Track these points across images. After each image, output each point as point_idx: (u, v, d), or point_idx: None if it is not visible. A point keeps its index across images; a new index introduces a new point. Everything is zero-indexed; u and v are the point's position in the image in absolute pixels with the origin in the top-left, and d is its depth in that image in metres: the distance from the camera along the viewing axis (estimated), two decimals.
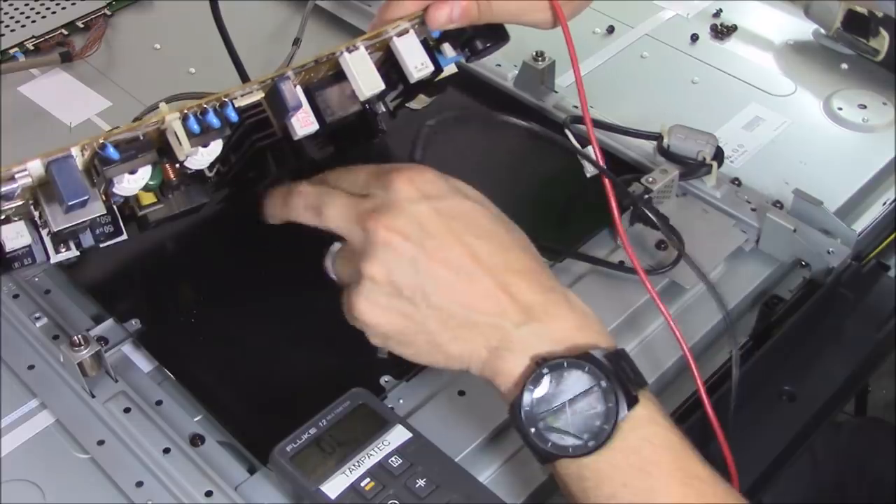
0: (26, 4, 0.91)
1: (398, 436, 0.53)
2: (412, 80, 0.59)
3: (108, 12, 0.92)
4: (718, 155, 0.71)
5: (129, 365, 0.62)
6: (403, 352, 0.50)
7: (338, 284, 0.52)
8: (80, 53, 0.88)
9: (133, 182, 0.52)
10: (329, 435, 0.53)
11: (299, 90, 0.55)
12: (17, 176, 0.49)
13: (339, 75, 0.57)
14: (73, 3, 0.91)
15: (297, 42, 0.85)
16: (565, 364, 0.47)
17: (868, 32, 0.81)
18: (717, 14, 0.91)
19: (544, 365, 0.47)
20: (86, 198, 0.50)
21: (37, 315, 0.64)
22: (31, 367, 0.61)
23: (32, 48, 0.87)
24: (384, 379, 0.60)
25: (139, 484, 0.55)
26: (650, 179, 0.68)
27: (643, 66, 0.86)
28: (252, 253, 0.67)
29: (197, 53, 0.89)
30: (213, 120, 0.53)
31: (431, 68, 0.59)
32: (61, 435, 0.58)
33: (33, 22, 0.89)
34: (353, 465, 0.51)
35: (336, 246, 0.50)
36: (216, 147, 0.54)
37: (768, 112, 0.80)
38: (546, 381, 0.47)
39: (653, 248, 0.68)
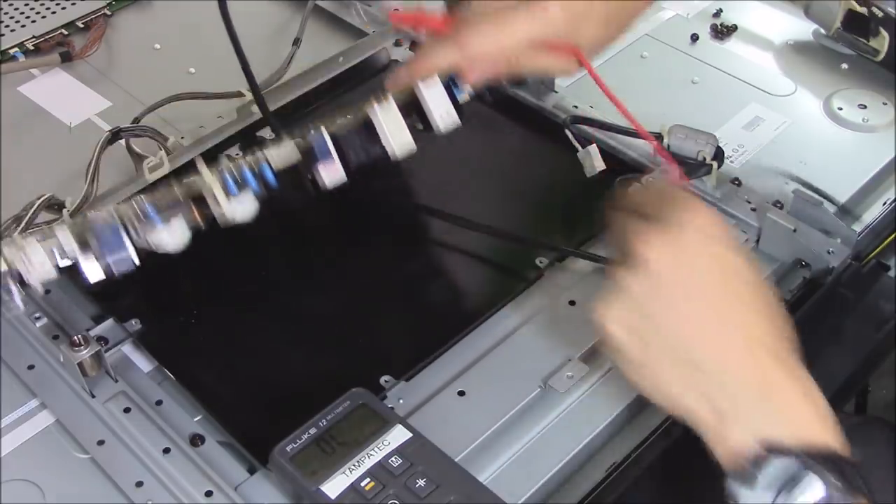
0: (26, 4, 0.91)
1: (398, 436, 0.53)
2: (439, 131, 0.58)
3: (108, 12, 0.92)
4: (718, 155, 0.71)
5: (129, 365, 0.62)
6: (628, 372, 0.48)
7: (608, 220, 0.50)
8: (80, 53, 0.88)
9: (171, 238, 0.53)
10: (329, 435, 0.53)
11: (327, 137, 0.55)
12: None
13: (367, 124, 0.57)
14: (73, 3, 0.91)
15: (297, 42, 0.85)
16: (799, 464, 0.43)
17: (868, 32, 0.81)
18: (717, 14, 0.91)
19: (773, 457, 0.43)
20: (125, 255, 0.52)
21: (37, 315, 0.64)
22: (31, 367, 0.61)
23: (32, 48, 0.87)
24: (384, 379, 0.60)
25: (139, 484, 0.55)
26: (650, 179, 0.68)
27: (643, 66, 0.86)
28: (252, 253, 0.67)
29: (197, 53, 0.89)
30: (252, 182, 0.53)
31: (456, 119, 0.58)
32: (61, 435, 0.58)
33: (33, 22, 0.89)
34: (353, 465, 0.51)
35: (655, 175, 0.50)
36: (252, 206, 0.54)
37: (768, 112, 0.80)
38: (771, 475, 0.43)
39: None
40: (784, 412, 0.44)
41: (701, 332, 0.45)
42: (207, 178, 0.53)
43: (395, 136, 0.55)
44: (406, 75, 0.55)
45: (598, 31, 0.55)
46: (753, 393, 0.44)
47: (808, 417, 0.45)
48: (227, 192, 0.53)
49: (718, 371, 0.45)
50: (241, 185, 0.53)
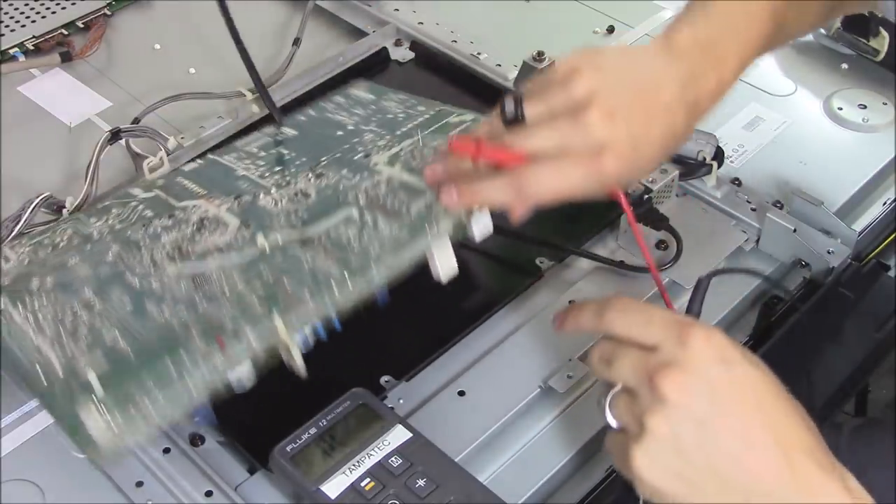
0: (26, 4, 0.91)
1: (398, 436, 0.53)
2: (439, 279, 0.59)
3: (108, 12, 0.92)
4: (718, 155, 0.71)
5: None
6: None
7: (611, 427, 0.49)
8: (80, 53, 0.88)
9: (239, 376, 0.54)
10: (329, 435, 0.53)
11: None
12: None
13: None
14: (73, 3, 0.91)
15: (297, 42, 0.85)
16: None
17: (868, 32, 0.81)
18: None
19: None
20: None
21: None
22: None
23: (32, 48, 0.87)
24: (384, 379, 0.60)
25: (139, 484, 0.55)
26: (650, 179, 0.68)
27: None
28: None
29: (197, 53, 0.89)
30: (322, 333, 0.54)
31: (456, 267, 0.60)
32: (61, 435, 0.58)
33: (33, 22, 0.89)
34: (354, 465, 0.52)
35: (616, 390, 0.49)
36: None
37: (768, 112, 0.80)
38: None
39: (653, 247, 0.68)
40: None
41: (737, 454, 0.45)
42: (283, 335, 0.53)
43: (444, 264, 0.58)
44: (456, 200, 0.54)
45: (651, 165, 0.55)
46: (796, 498, 0.45)
47: None
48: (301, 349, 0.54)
49: (760, 486, 0.45)
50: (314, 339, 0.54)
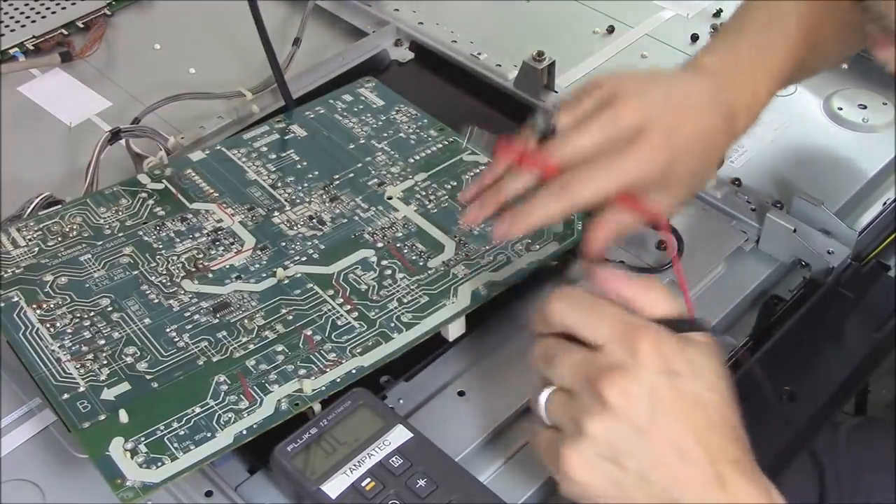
0: (26, 4, 0.91)
1: (398, 436, 0.53)
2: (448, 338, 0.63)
3: (108, 12, 0.92)
4: None
5: None
6: None
7: (543, 423, 0.50)
8: (80, 53, 0.88)
9: None
10: (329, 435, 0.53)
11: None
12: None
13: None
14: (73, 3, 0.91)
15: (297, 42, 0.85)
16: None
17: None
18: (717, 14, 0.91)
19: None
20: None
21: None
22: None
23: (32, 48, 0.87)
24: (384, 379, 0.60)
25: None
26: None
27: (643, 65, 0.86)
28: None
29: (197, 53, 0.89)
30: None
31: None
32: (61, 434, 0.58)
33: (33, 22, 0.89)
34: (354, 465, 0.52)
35: (550, 390, 0.49)
36: None
37: (768, 112, 0.79)
38: None
39: (653, 248, 0.68)
40: None
41: (670, 465, 0.46)
42: (308, 394, 0.56)
43: (455, 326, 0.61)
44: (512, 228, 0.55)
45: (690, 165, 0.56)
46: None
47: None
48: None
49: (688, 496, 0.46)
50: None
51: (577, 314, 0.49)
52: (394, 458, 0.52)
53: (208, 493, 0.55)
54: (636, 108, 0.54)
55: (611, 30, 0.89)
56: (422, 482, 0.51)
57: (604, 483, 0.47)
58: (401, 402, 0.59)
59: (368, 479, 0.51)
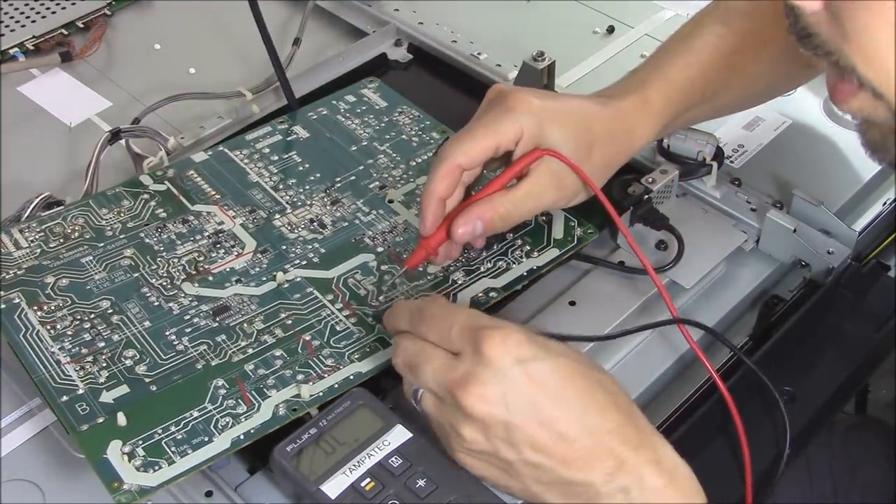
0: (26, 4, 0.91)
1: (398, 436, 0.53)
2: None
3: (108, 12, 0.92)
4: (718, 155, 0.71)
5: None
6: (502, 491, 0.52)
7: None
8: (80, 53, 0.88)
9: None
10: (329, 435, 0.53)
11: None
12: None
13: None
14: (73, 3, 0.91)
15: (297, 42, 0.85)
16: None
17: None
18: None
19: None
20: None
21: None
22: None
23: (32, 48, 0.87)
24: (384, 379, 0.60)
25: None
26: (650, 180, 0.68)
27: None
28: None
29: (197, 53, 0.89)
30: None
31: None
32: (61, 435, 0.58)
33: (33, 22, 0.89)
34: (354, 465, 0.51)
35: (421, 389, 0.52)
36: None
37: (768, 112, 0.80)
38: None
39: (653, 248, 0.68)
40: (638, 485, 0.48)
41: (545, 447, 0.48)
42: (306, 399, 0.57)
43: None
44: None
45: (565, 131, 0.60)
46: (607, 479, 0.48)
47: (659, 483, 0.48)
48: None
49: (572, 471, 0.48)
50: None
51: (435, 326, 0.51)
52: (393, 459, 0.52)
53: (208, 493, 0.55)
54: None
55: (611, 30, 0.89)
56: (421, 482, 0.51)
57: (493, 470, 0.50)
58: (401, 402, 0.59)
59: (368, 480, 0.51)
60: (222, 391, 0.56)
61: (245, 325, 0.60)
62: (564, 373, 0.49)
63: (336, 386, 0.57)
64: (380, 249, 0.65)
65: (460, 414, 0.49)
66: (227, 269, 0.64)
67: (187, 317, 0.61)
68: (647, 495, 0.48)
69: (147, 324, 0.60)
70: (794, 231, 0.67)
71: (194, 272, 0.64)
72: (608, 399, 0.49)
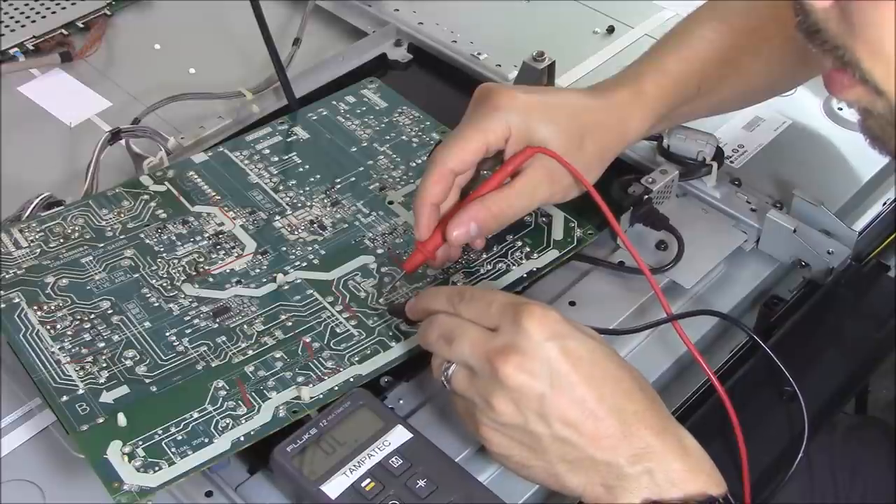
0: (26, 4, 0.91)
1: (398, 436, 0.53)
2: None
3: (108, 12, 0.92)
4: (718, 155, 0.71)
5: None
6: (520, 472, 0.52)
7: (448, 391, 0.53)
8: (80, 53, 0.88)
9: None
10: (329, 435, 0.53)
11: None
12: None
13: None
14: (73, 3, 0.91)
15: (297, 42, 0.85)
16: None
17: None
18: None
19: None
20: None
21: None
22: None
23: (32, 48, 0.87)
24: (384, 379, 0.60)
25: None
26: (650, 180, 0.68)
27: None
28: None
29: (197, 53, 0.89)
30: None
31: None
32: (61, 435, 0.58)
33: (33, 22, 0.89)
34: (354, 466, 0.52)
35: (452, 366, 0.52)
36: None
37: (768, 112, 0.80)
38: None
39: (653, 248, 0.68)
40: (661, 469, 0.49)
41: (576, 423, 0.49)
42: (306, 401, 0.57)
43: None
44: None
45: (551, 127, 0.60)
46: (632, 460, 0.49)
47: (682, 468, 0.49)
48: None
49: (598, 450, 0.49)
50: None
51: (473, 306, 0.52)
52: (393, 459, 0.52)
53: (208, 494, 0.55)
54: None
55: (611, 30, 0.89)
56: (422, 482, 0.51)
57: (518, 448, 0.51)
58: (401, 402, 0.59)
59: (368, 480, 0.51)
60: (222, 392, 0.56)
61: (245, 326, 0.60)
62: (596, 354, 0.50)
63: (336, 388, 0.57)
64: (380, 251, 0.65)
65: (496, 384, 0.49)
66: (228, 271, 0.64)
67: (187, 318, 0.61)
68: (671, 478, 0.49)
69: (147, 324, 0.60)
70: (794, 231, 0.67)
71: (194, 273, 0.64)
72: (634, 384, 0.51)
